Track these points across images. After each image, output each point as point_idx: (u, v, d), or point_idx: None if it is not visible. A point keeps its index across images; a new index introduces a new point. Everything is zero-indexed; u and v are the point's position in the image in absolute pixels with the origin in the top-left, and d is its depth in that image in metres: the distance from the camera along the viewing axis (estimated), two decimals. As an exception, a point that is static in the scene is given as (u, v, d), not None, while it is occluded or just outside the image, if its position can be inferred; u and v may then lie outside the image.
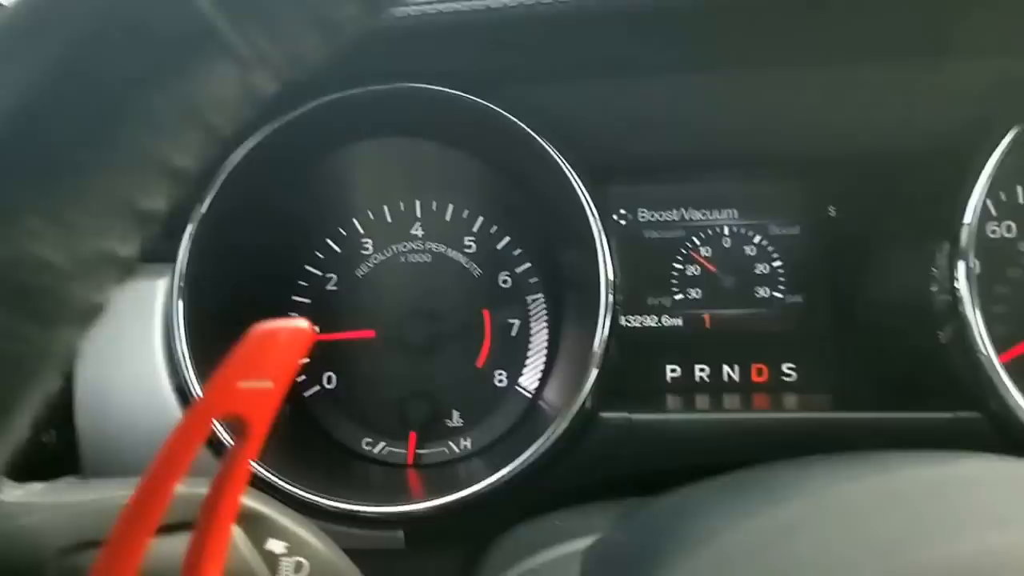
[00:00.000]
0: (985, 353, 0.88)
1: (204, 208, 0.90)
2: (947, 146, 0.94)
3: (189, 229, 0.91)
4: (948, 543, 0.31)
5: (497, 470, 0.87)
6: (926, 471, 0.39)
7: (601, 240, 0.92)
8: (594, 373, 0.88)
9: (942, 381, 0.93)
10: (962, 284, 0.88)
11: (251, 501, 0.60)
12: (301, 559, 0.60)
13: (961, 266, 0.88)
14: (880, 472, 0.39)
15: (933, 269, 0.91)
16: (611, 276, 0.91)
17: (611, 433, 0.90)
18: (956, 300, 0.88)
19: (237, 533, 0.58)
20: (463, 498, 0.86)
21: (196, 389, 0.88)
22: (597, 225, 0.92)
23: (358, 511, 0.87)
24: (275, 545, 0.59)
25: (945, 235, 0.90)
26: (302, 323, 0.41)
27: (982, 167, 0.89)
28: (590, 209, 0.92)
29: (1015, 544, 0.30)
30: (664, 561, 0.35)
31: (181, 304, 0.90)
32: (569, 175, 0.92)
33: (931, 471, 0.37)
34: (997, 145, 0.89)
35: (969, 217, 0.88)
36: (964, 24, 0.87)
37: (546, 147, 0.92)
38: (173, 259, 0.91)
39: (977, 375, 0.88)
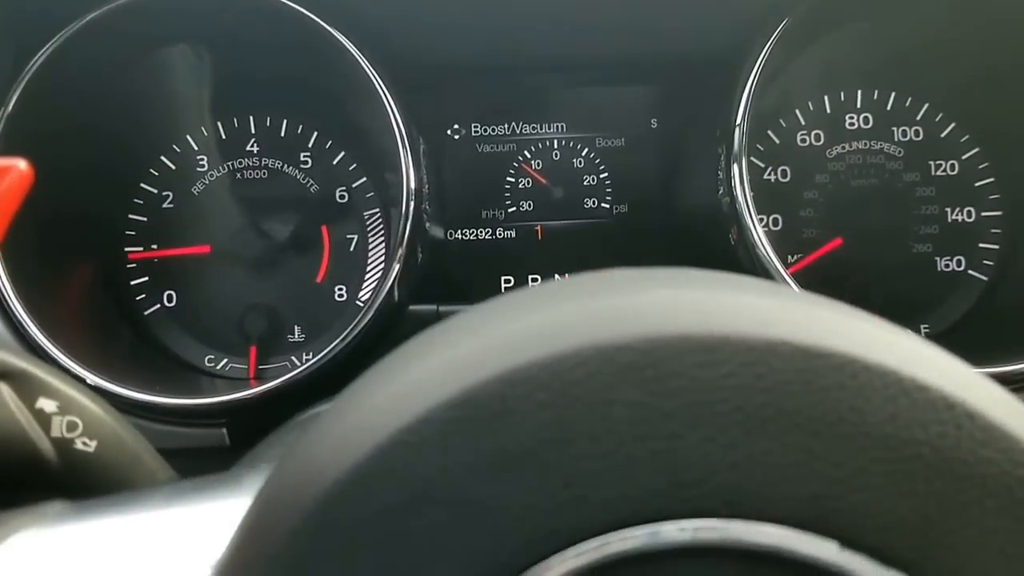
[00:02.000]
0: (766, 254, 0.94)
1: (8, 113, 0.93)
2: (732, 48, 1.01)
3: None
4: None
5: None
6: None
7: (404, 150, 0.97)
8: (396, 268, 0.94)
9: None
10: (737, 186, 0.95)
11: (18, 360, 0.62)
12: (74, 418, 0.62)
13: (735, 168, 0.95)
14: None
15: (719, 173, 0.97)
16: (413, 185, 0.96)
17: (420, 323, 0.95)
18: (735, 202, 0.95)
19: (6, 391, 0.61)
20: (279, 385, 0.91)
21: (34, 333, 0.91)
22: (401, 135, 0.97)
23: (181, 404, 0.92)
24: (46, 404, 0.62)
25: (723, 139, 0.96)
26: (20, 162, 0.45)
27: (751, 69, 0.95)
28: (395, 120, 0.97)
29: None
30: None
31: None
32: (377, 86, 0.97)
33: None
34: (765, 45, 0.95)
35: (739, 119, 0.95)
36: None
37: (355, 55, 0.97)
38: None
39: (761, 273, 0.95)
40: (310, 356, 1.14)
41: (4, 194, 0.43)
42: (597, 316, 0.33)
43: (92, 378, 0.90)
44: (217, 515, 0.44)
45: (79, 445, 0.62)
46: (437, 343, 0.36)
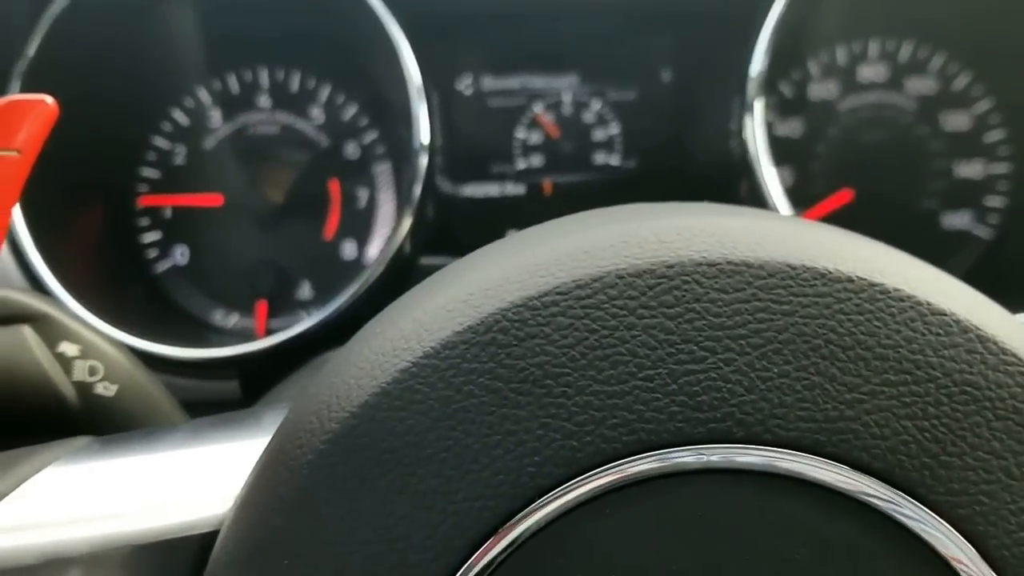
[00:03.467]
0: (774, 206, 0.95)
1: (28, 60, 0.93)
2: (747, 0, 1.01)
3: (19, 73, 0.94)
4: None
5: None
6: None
7: (418, 103, 0.97)
8: (408, 222, 0.95)
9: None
10: (749, 138, 0.95)
11: (41, 303, 0.63)
12: (95, 362, 0.64)
13: (748, 120, 0.95)
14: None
15: (731, 125, 0.98)
16: (426, 139, 0.97)
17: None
18: (746, 154, 0.95)
19: (29, 334, 0.62)
20: (290, 337, 0.92)
21: (49, 281, 0.93)
22: (415, 88, 0.98)
23: (194, 356, 0.93)
24: (68, 348, 0.64)
25: (737, 90, 0.96)
26: (46, 97, 0.46)
27: (765, 17, 0.95)
28: (408, 73, 0.98)
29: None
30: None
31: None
32: (394, 39, 0.98)
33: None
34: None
35: (755, 70, 0.95)
36: None
37: (373, 7, 0.97)
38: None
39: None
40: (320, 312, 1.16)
41: (33, 131, 0.44)
42: (617, 243, 0.34)
43: (105, 327, 0.91)
44: (240, 451, 0.46)
45: (100, 389, 0.64)
46: (463, 272, 0.37)
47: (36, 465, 0.44)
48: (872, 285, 0.33)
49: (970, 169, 1.15)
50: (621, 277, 0.32)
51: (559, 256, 0.34)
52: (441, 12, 1.08)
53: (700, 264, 0.32)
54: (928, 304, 0.33)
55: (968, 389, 0.33)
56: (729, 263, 0.33)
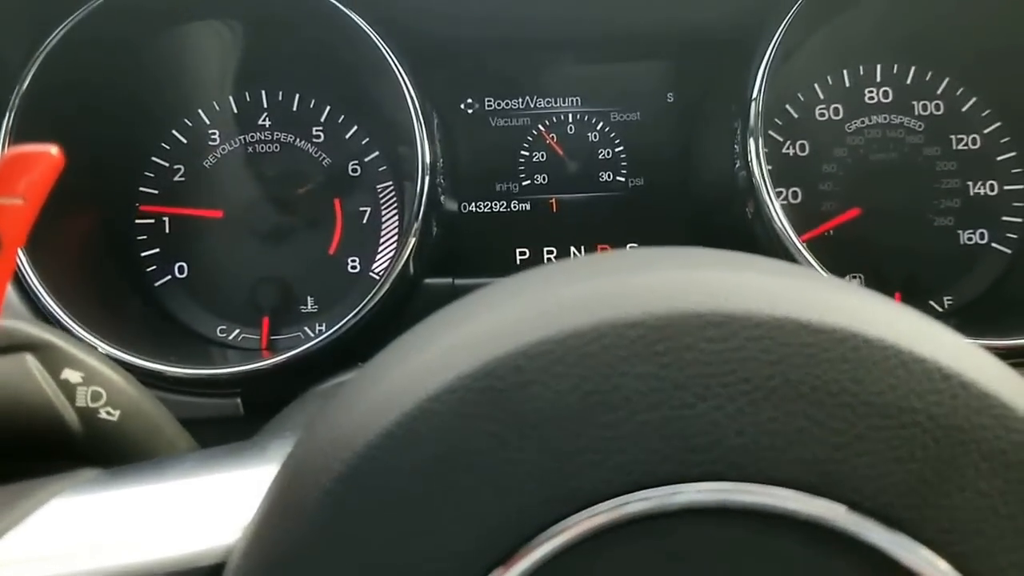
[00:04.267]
0: (782, 228, 0.97)
1: (22, 92, 0.96)
2: (749, 22, 1.02)
3: (8, 116, 0.96)
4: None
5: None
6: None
7: (419, 125, 0.99)
8: (412, 242, 0.96)
9: (755, 252, 1.03)
10: (753, 161, 0.97)
11: (44, 332, 0.65)
12: (98, 388, 0.66)
13: (751, 143, 0.97)
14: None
15: (735, 147, 0.99)
16: (428, 160, 0.99)
17: (435, 297, 0.99)
18: (751, 176, 0.97)
19: (32, 363, 0.64)
20: (294, 356, 0.94)
21: (48, 303, 0.94)
22: (415, 111, 1.00)
23: (196, 374, 0.95)
24: (71, 375, 0.65)
25: (740, 113, 0.98)
26: (51, 148, 0.47)
27: (768, 43, 0.97)
28: (409, 96, 1.00)
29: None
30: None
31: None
32: (391, 61, 1.00)
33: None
34: (783, 19, 0.97)
35: (756, 93, 0.97)
36: None
37: (368, 32, 0.99)
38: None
39: (779, 248, 0.98)
40: (323, 327, 1.17)
41: (37, 180, 0.46)
42: (611, 293, 0.36)
43: (104, 347, 0.93)
44: (245, 482, 0.47)
45: (103, 415, 0.66)
46: (461, 317, 0.39)
47: (43, 497, 0.46)
48: (855, 335, 0.34)
49: (984, 187, 1.17)
50: (614, 327, 0.34)
51: (554, 306, 0.36)
52: (441, 38, 1.10)
53: (689, 315, 0.34)
54: (911, 352, 0.34)
55: (954, 432, 0.35)
56: (716, 314, 0.34)
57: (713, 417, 0.34)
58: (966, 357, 0.36)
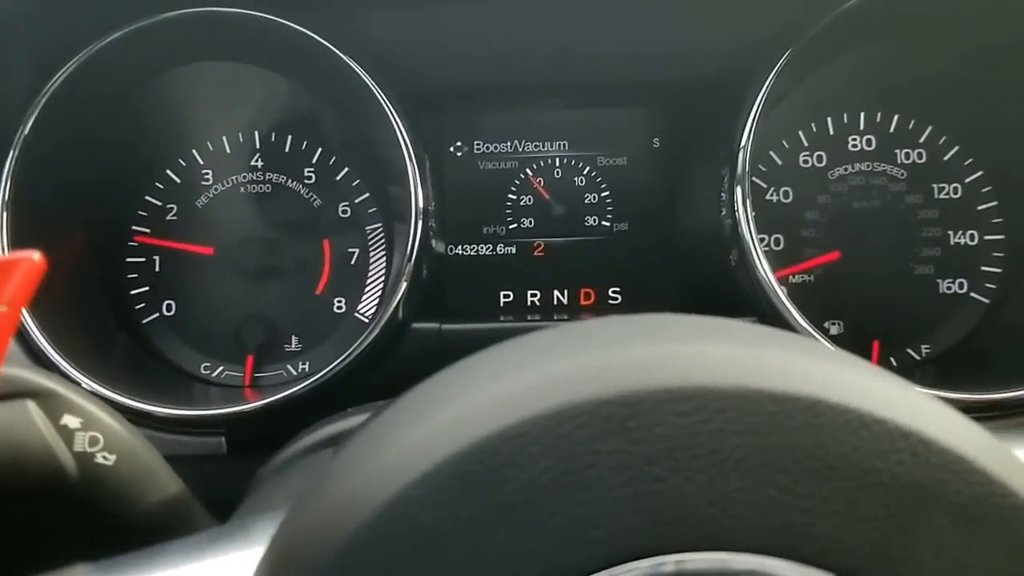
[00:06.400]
0: (764, 276, 1.01)
1: (25, 134, 0.99)
2: (734, 73, 1.07)
3: (11, 157, 1.00)
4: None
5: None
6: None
7: (412, 169, 1.03)
8: (403, 287, 1.00)
9: (738, 297, 1.07)
10: (739, 209, 1.01)
11: (45, 380, 0.68)
12: (96, 433, 0.69)
13: (738, 191, 1.01)
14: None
15: (722, 194, 1.03)
16: (421, 204, 1.03)
17: (422, 341, 1.02)
18: (737, 224, 1.01)
19: (33, 409, 0.67)
20: (280, 399, 0.97)
21: (37, 338, 0.97)
22: (409, 154, 1.04)
23: (181, 414, 0.98)
24: (71, 420, 0.69)
25: (727, 161, 1.03)
26: (33, 254, 0.49)
27: (756, 94, 1.02)
28: (403, 139, 1.04)
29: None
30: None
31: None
32: (385, 106, 1.04)
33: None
34: (771, 69, 1.01)
35: (743, 142, 1.01)
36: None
37: (363, 76, 1.03)
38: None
39: (760, 296, 1.02)
40: (305, 366, 1.21)
41: (19, 287, 0.47)
42: (580, 373, 0.39)
43: (90, 384, 0.96)
44: (232, 566, 0.50)
45: (99, 459, 0.69)
46: (436, 401, 0.42)
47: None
48: (818, 401, 0.38)
49: (965, 237, 1.21)
50: (584, 409, 0.37)
51: (525, 388, 0.39)
52: (431, 82, 1.14)
53: (657, 391, 0.38)
54: (871, 414, 0.38)
55: (915, 490, 0.38)
56: (683, 389, 0.38)
57: (684, 489, 0.37)
58: (925, 415, 0.39)
